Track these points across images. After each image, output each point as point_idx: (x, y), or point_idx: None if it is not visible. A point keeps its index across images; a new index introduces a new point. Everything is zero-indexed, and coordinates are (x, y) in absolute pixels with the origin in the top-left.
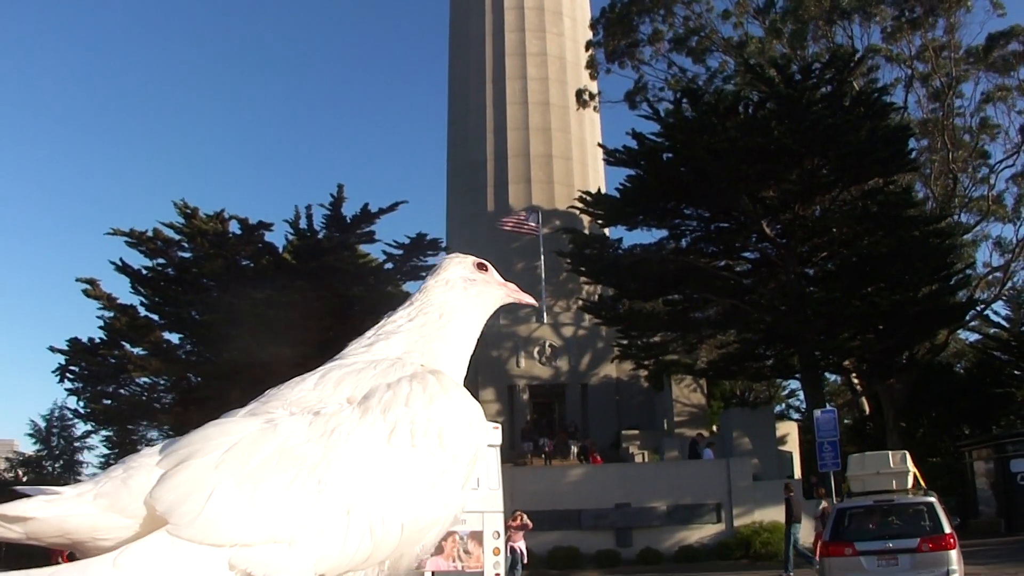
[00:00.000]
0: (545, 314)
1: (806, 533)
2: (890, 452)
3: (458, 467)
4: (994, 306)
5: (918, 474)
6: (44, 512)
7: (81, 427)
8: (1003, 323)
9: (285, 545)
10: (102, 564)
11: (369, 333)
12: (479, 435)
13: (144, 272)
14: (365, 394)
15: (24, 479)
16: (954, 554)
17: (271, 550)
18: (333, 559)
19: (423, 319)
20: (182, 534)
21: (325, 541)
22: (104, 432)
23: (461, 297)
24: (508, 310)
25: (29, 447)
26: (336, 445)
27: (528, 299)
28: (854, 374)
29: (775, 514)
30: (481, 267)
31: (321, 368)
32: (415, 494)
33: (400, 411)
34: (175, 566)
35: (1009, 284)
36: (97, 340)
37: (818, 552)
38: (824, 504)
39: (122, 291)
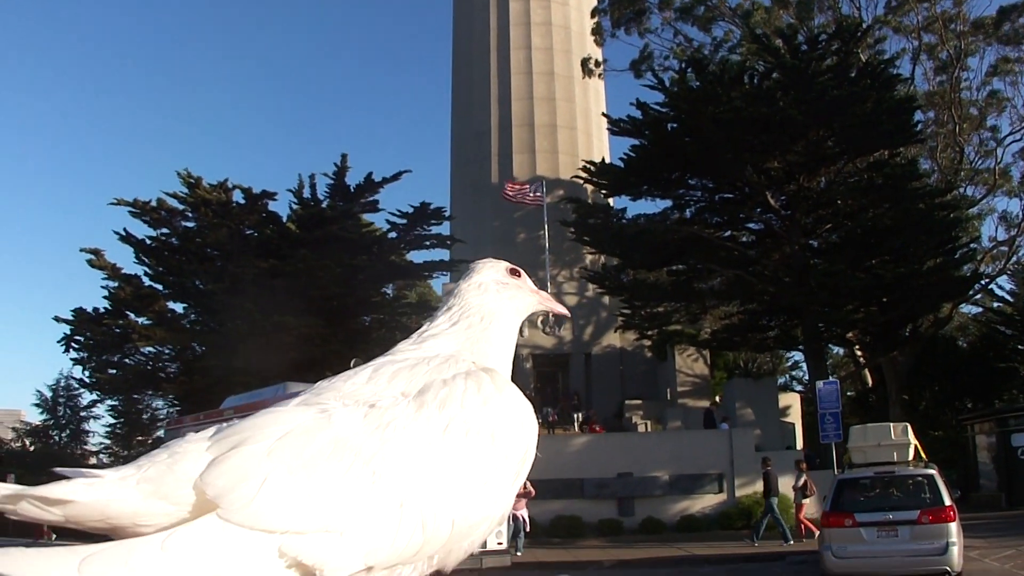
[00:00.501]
0: (549, 284)
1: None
2: (891, 424)
3: (509, 465)
4: (999, 280)
5: (919, 446)
6: (86, 496)
7: (87, 397)
8: (1008, 297)
9: (336, 535)
10: (150, 546)
11: (414, 335)
12: (531, 435)
13: (148, 242)
14: (420, 388)
15: (31, 448)
16: (954, 526)
17: (322, 539)
18: (383, 552)
19: (466, 322)
20: (232, 518)
21: (376, 533)
22: (110, 401)
23: (496, 300)
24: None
25: (36, 417)
26: (391, 438)
27: (561, 309)
28: (857, 346)
29: (778, 485)
30: (514, 272)
31: (372, 362)
32: (467, 491)
33: (455, 408)
34: (224, 551)
35: (1014, 258)
36: (102, 310)
37: (801, 523)
38: (804, 478)
39: (126, 261)
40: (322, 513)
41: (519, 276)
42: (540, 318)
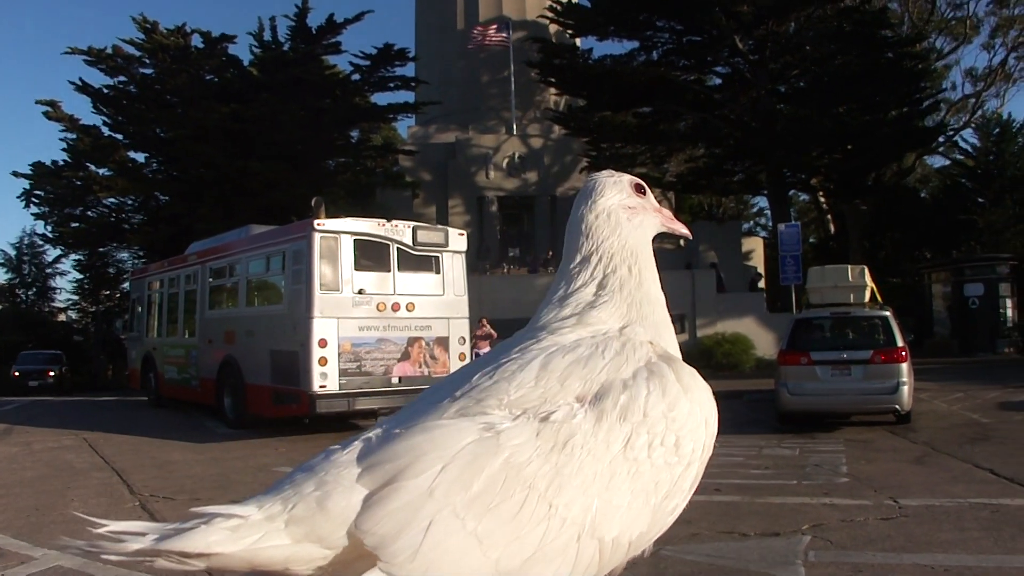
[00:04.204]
0: (514, 125)
1: None
2: (849, 266)
3: (691, 472)
4: (963, 134)
5: (875, 289)
6: (232, 547)
7: (52, 253)
8: (971, 151)
9: None
10: None
11: (564, 298)
12: (713, 432)
13: (105, 91)
14: (597, 393)
15: None
16: (905, 367)
17: None
18: None
19: (616, 278)
20: (397, 573)
21: (552, 571)
22: (75, 256)
23: (631, 234)
24: (474, 117)
25: (1, 276)
26: (568, 463)
27: (683, 230)
28: (821, 193)
29: (737, 326)
30: (639, 189)
31: (536, 345)
32: (647, 509)
33: (637, 417)
34: None
35: (980, 112)
36: (61, 163)
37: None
38: (483, 327)
39: (84, 111)
40: (494, 558)
41: (644, 194)
42: (506, 160)
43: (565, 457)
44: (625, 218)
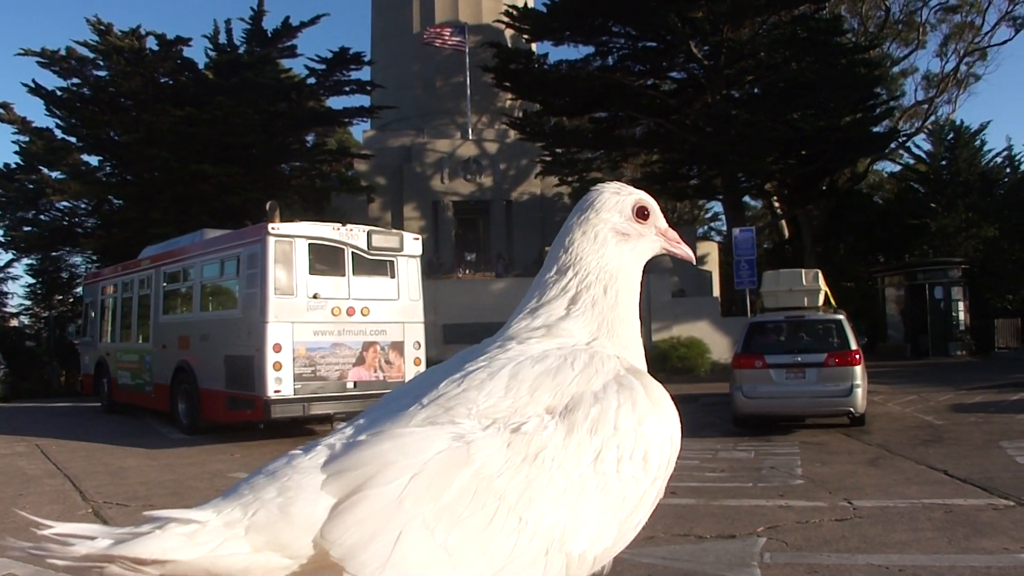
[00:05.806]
0: (470, 129)
1: None
2: (803, 270)
3: (655, 488)
4: (916, 139)
5: (829, 293)
6: (188, 554)
7: (3, 257)
8: (924, 156)
9: None
10: None
11: (534, 310)
12: (677, 448)
13: (59, 93)
14: (567, 405)
15: None
16: (858, 370)
17: None
18: None
19: (589, 295)
20: None
21: None
22: (27, 260)
23: (616, 257)
24: (429, 122)
25: None
26: (539, 475)
27: (686, 253)
28: (775, 198)
29: (692, 330)
30: (641, 213)
31: (503, 354)
32: (613, 524)
33: (607, 431)
34: None
35: (932, 118)
36: (13, 165)
37: None
38: None
39: (37, 114)
40: (463, 571)
41: (646, 218)
42: (460, 165)
43: (536, 469)
44: (613, 242)
